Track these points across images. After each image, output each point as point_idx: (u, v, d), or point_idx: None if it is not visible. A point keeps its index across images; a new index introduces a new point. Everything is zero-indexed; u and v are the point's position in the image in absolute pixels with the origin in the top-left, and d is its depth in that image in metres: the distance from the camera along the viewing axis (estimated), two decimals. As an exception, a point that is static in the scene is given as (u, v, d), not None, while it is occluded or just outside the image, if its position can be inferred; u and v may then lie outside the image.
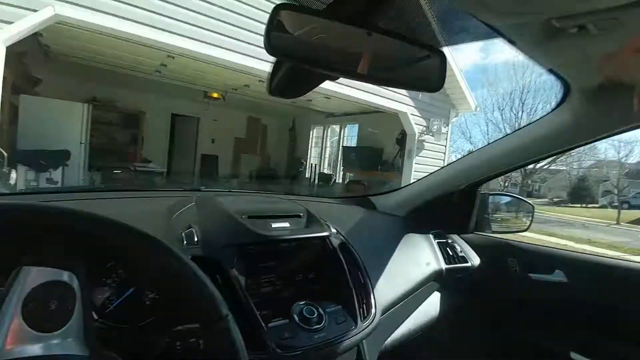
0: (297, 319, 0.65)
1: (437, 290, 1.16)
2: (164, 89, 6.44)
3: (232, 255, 0.66)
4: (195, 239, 0.67)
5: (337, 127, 8.04)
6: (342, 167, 7.42)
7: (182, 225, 0.70)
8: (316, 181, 7.79)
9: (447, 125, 6.52)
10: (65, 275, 0.31)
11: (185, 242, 0.67)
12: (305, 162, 8.29)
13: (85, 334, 0.32)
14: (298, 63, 0.48)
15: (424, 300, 1.10)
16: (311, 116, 8.06)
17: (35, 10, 2.84)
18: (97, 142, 5.71)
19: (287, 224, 0.77)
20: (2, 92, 2.93)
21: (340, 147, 7.69)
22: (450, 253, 1.17)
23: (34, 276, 0.29)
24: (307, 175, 8.08)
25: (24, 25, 2.82)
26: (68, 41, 4.14)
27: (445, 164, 1.35)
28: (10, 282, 0.29)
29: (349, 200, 1.47)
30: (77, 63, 5.18)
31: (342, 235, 0.91)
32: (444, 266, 1.11)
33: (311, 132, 8.45)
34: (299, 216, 0.83)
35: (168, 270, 0.35)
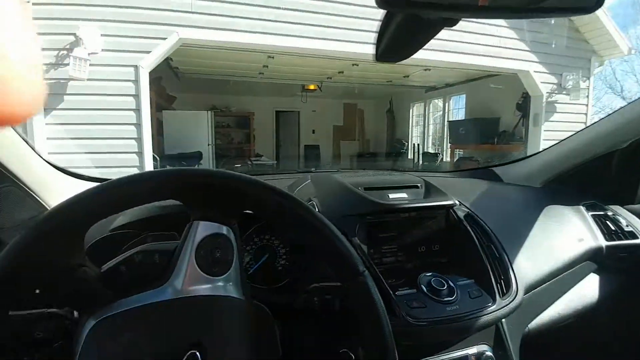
0: (425, 289, 0.62)
1: (595, 272, 0.95)
2: (267, 90, 7.02)
3: (352, 225, 0.65)
4: (317, 210, 0.70)
5: (439, 102, 7.43)
6: (449, 144, 6.82)
7: (303, 199, 0.74)
8: (420, 161, 7.37)
9: (588, 78, 5.14)
10: (224, 229, 0.36)
11: None
12: (406, 143, 7.95)
13: (241, 283, 0.37)
14: (411, 10, 0.43)
15: (578, 282, 0.92)
16: (409, 94, 7.65)
17: (164, 38, 3.40)
18: (220, 142, 6.67)
19: (404, 195, 0.73)
20: (150, 110, 3.62)
21: (446, 123, 7.07)
22: (613, 228, 0.94)
23: (202, 229, 0.35)
24: (409, 157, 7.74)
25: (158, 52, 3.41)
26: (190, 60, 4.87)
27: (593, 122, 1.07)
28: (184, 235, 0.35)
29: (467, 172, 1.33)
30: (198, 79, 6.08)
31: (467, 207, 0.83)
32: (603, 243, 0.91)
33: (410, 110, 8.02)
34: (417, 187, 0.78)
35: (309, 228, 0.37)
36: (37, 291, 0.32)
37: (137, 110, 3.37)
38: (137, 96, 3.35)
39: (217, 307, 0.34)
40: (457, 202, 0.78)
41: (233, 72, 5.85)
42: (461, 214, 0.76)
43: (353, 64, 4.95)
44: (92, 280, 0.32)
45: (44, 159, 0.79)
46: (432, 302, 0.60)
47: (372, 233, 0.68)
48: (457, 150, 6.51)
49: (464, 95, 6.76)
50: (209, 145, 5.77)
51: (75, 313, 0.40)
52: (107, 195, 0.32)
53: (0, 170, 0.62)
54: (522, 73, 4.89)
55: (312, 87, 6.97)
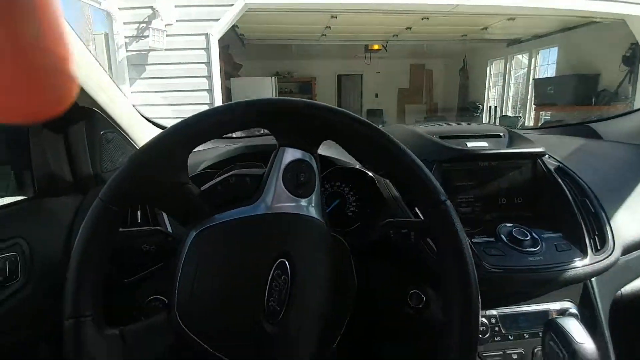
0: (504, 239, 0.58)
1: None
2: (329, 52, 6.86)
3: None
4: None
5: (524, 57, 6.52)
6: (533, 106, 6.02)
7: None
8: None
9: None
10: (307, 156, 0.38)
11: None
12: (481, 106, 7.24)
13: (322, 210, 0.39)
14: None
15: None
16: (487, 49, 6.84)
17: (231, 5, 3.47)
18: None
19: (485, 143, 0.67)
20: (220, 78, 3.81)
21: (531, 81, 6.20)
22: None
23: (288, 155, 0.38)
24: (484, 120, 7.08)
25: (225, 19, 3.51)
26: (255, 26, 4.94)
27: None
28: (272, 160, 0.38)
29: (558, 129, 1.18)
30: (262, 44, 6.18)
31: (558, 160, 0.73)
32: None
33: (488, 68, 7.21)
34: (499, 136, 0.71)
35: (391, 156, 0.38)
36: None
37: (209, 77, 3.57)
38: (208, 63, 3.53)
39: (302, 224, 0.37)
40: (546, 152, 0.69)
41: (295, 36, 5.81)
42: (551, 166, 0.68)
43: (423, 18, 4.55)
44: (194, 197, 0.37)
45: (137, 110, 0.88)
46: (512, 251, 0.57)
47: (447, 182, 0.64)
48: (543, 113, 5.72)
49: (555, 49, 5.82)
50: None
51: (169, 227, 0.46)
52: (210, 120, 0.36)
53: (103, 116, 0.70)
54: (632, 18, 3.96)
55: (376, 47, 6.62)
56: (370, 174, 0.65)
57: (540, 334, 0.60)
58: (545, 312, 0.61)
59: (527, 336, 0.61)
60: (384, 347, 0.65)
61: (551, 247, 0.58)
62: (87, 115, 0.68)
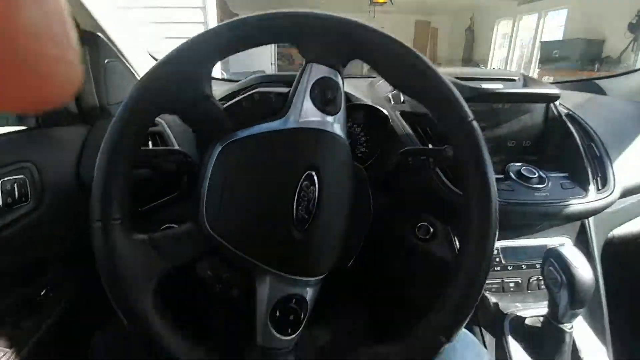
0: (513, 176, 0.61)
1: None
2: (331, 4, 6.47)
3: None
4: (402, 99, 0.68)
5: (532, 18, 6.26)
6: (537, 70, 5.88)
7: (385, 90, 0.73)
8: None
9: None
10: (334, 74, 0.38)
11: (392, 102, 0.69)
12: (484, 67, 7.07)
13: (345, 128, 0.40)
14: None
15: None
16: (496, 9, 6.53)
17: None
18: (281, 64, 6.68)
19: (500, 85, 0.66)
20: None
21: (538, 44, 6.02)
22: None
23: (315, 71, 0.37)
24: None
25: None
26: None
27: None
28: (299, 76, 0.38)
29: (566, 85, 1.16)
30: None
31: (567, 108, 0.74)
32: None
33: (495, 28, 6.93)
34: (514, 80, 0.70)
35: (417, 72, 0.37)
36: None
37: (205, 23, 3.38)
38: (203, 8, 3.33)
39: (328, 139, 0.37)
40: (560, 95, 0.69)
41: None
42: (563, 111, 0.70)
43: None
44: (219, 111, 0.36)
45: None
46: (520, 187, 0.60)
47: None
48: (546, 77, 5.61)
49: (566, 10, 5.58)
50: (271, 64, 5.76)
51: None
52: (236, 31, 0.35)
53: (107, 44, 0.67)
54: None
55: None
56: (384, 111, 0.64)
57: (537, 265, 0.65)
58: (543, 247, 0.66)
59: (524, 267, 0.66)
60: (389, 274, 0.70)
61: (557, 185, 0.61)
62: (90, 41, 0.65)
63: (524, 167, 0.62)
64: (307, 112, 0.37)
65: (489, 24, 6.93)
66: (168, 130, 0.63)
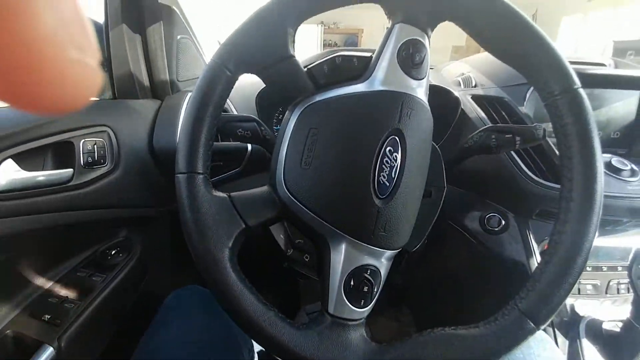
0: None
1: None
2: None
3: (520, 96, 0.59)
4: (473, 83, 0.66)
5: (602, 14, 5.70)
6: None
7: (454, 74, 0.71)
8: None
9: None
10: (420, 36, 0.36)
11: (462, 85, 0.67)
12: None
13: (427, 95, 0.37)
14: None
15: None
16: (562, 3, 6.03)
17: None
18: None
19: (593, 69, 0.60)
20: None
21: (610, 42, 5.45)
22: None
23: (402, 33, 0.35)
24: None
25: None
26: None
27: None
28: (384, 38, 0.36)
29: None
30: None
31: None
32: None
33: (561, 26, 6.41)
34: (604, 64, 0.65)
35: (524, 36, 0.34)
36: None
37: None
38: None
39: (415, 105, 0.35)
40: None
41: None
42: None
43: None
44: (301, 73, 0.36)
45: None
46: (610, 179, 0.55)
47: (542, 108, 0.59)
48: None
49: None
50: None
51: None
52: None
53: (181, 19, 0.70)
54: None
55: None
56: (455, 93, 0.61)
57: (620, 267, 0.58)
58: (628, 249, 0.60)
59: (605, 269, 0.60)
60: (450, 265, 0.66)
61: None
62: (166, 15, 0.68)
63: (614, 159, 0.56)
64: (393, 75, 0.35)
65: (554, 20, 6.42)
66: (229, 101, 0.64)
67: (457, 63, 0.79)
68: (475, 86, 0.65)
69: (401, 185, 0.34)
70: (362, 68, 0.37)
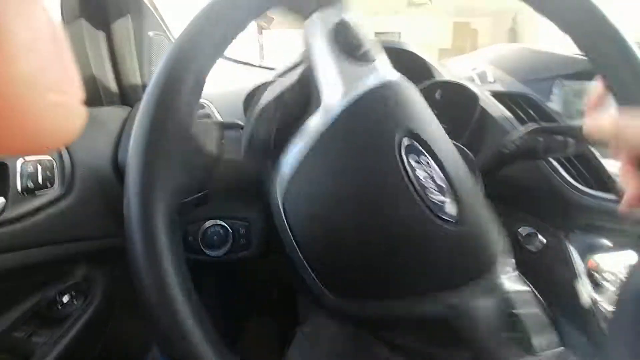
0: None
1: None
2: (366, 7, 6.41)
3: (547, 88, 0.53)
4: (491, 78, 0.60)
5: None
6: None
7: (468, 68, 0.65)
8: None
9: None
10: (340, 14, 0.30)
11: (477, 81, 0.60)
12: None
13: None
14: None
15: None
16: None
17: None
18: None
19: None
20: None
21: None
22: None
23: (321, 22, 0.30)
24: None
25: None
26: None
27: None
28: (302, 56, 0.32)
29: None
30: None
31: None
32: None
33: (538, 30, 6.55)
34: None
35: (599, 30, 0.28)
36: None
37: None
38: None
39: (396, 89, 0.29)
40: None
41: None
42: None
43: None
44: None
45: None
46: None
47: (570, 104, 0.53)
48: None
49: None
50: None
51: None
52: None
53: (152, 13, 0.60)
54: None
55: None
56: (473, 89, 0.53)
57: None
58: None
59: None
60: None
61: None
62: (134, 8, 0.58)
63: None
64: (346, 77, 0.28)
65: (535, 24, 6.57)
66: (213, 107, 0.56)
67: (468, 57, 0.73)
68: (494, 82, 0.57)
69: (462, 196, 0.27)
70: (304, 93, 0.30)
